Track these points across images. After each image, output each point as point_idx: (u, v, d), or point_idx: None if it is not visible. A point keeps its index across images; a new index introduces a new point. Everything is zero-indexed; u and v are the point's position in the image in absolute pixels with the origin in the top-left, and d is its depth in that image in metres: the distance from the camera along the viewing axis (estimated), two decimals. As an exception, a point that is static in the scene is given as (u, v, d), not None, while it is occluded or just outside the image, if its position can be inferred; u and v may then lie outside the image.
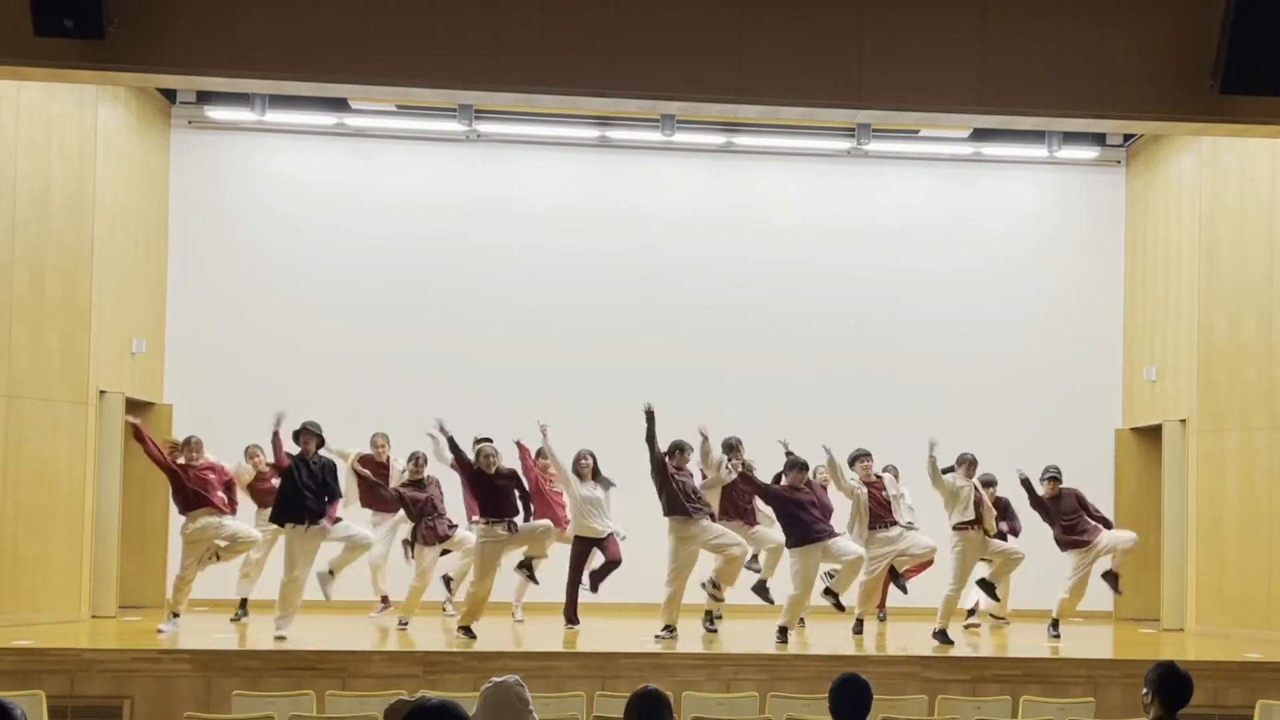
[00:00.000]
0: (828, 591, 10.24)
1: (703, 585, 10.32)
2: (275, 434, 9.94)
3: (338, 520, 10.08)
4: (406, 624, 10.52)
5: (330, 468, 10.08)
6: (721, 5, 8.61)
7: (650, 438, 10.04)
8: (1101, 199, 13.51)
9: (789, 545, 10.04)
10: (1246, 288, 11.53)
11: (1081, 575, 10.79)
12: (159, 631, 9.84)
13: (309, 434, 9.94)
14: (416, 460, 10.70)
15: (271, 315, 12.71)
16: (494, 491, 9.92)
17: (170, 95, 12.51)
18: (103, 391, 11.14)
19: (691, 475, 10.33)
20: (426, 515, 10.59)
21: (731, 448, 10.55)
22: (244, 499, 11.01)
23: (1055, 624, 10.84)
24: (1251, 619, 11.16)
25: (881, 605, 11.50)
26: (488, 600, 10.11)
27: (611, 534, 10.48)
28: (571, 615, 10.49)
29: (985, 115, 9.27)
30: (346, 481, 10.80)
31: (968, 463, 10.52)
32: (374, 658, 8.96)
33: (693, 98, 8.95)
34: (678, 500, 10.00)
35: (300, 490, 9.72)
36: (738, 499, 10.59)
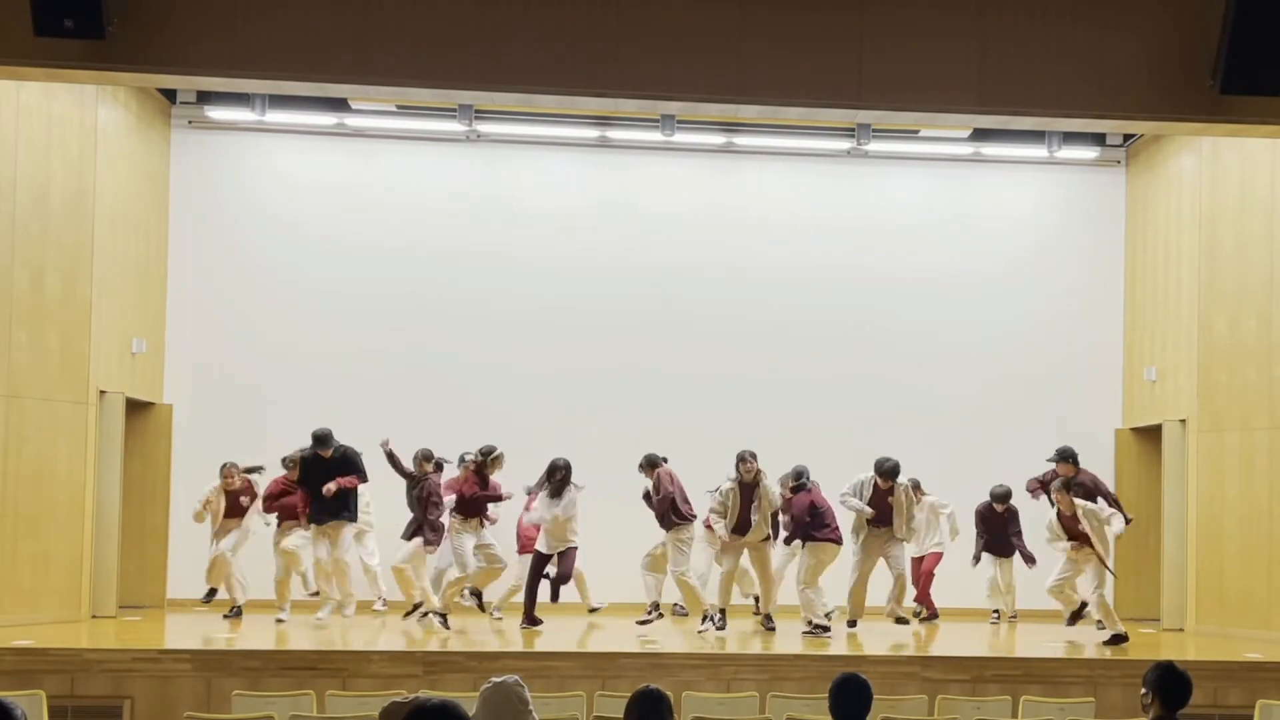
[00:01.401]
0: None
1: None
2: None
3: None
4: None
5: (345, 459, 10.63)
6: (721, 5, 8.61)
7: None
8: (1101, 199, 13.50)
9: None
10: (1246, 288, 11.53)
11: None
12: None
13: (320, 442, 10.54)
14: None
15: (271, 315, 12.71)
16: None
17: (170, 95, 12.50)
18: (103, 391, 11.14)
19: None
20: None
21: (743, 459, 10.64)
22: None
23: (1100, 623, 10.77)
24: (1251, 619, 11.16)
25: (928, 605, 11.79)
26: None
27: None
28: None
29: (985, 115, 9.26)
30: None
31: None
32: (374, 658, 8.96)
33: (693, 98, 8.94)
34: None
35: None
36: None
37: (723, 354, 12.98)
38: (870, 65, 8.68)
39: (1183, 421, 12.06)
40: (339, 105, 12.16)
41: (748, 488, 10.47)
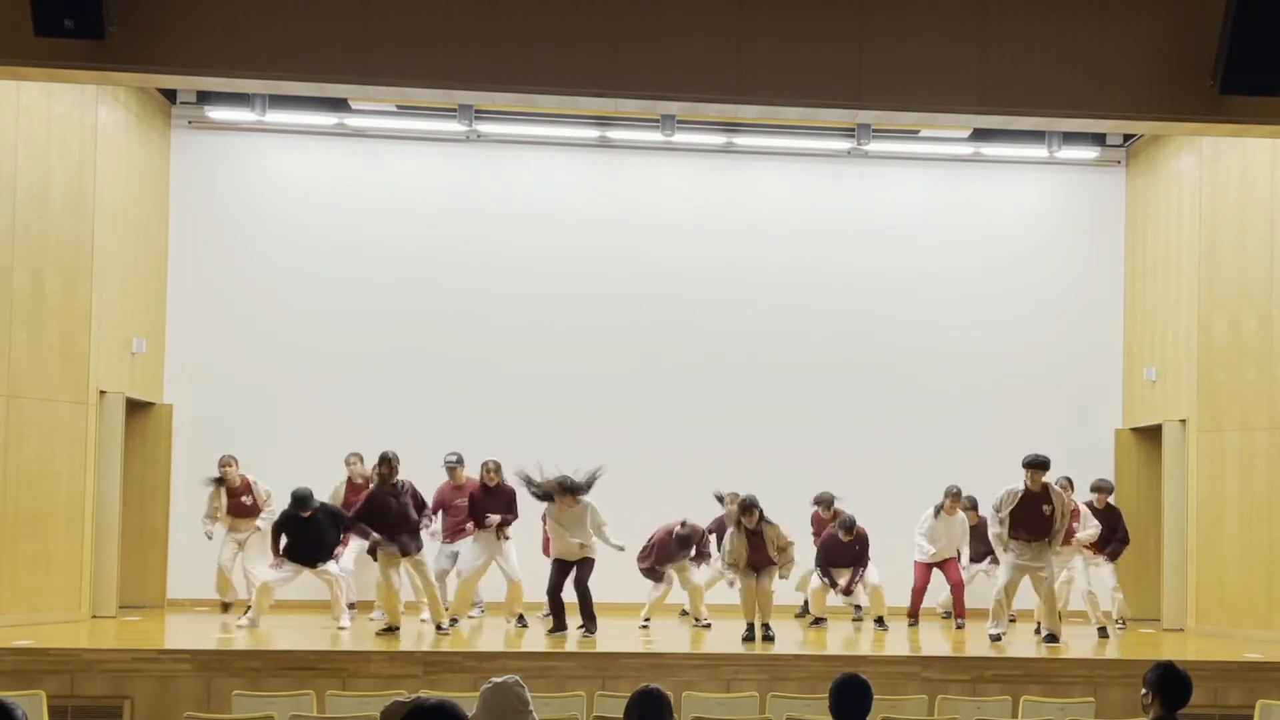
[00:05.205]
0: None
1: None
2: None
3: None
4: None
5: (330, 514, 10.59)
6: (721, 5, 8.61)
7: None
8: (1101, 199, 13.49)
9: None
10: (1246, 288, 11.53)
11: None
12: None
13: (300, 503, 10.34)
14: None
15: (271, 315, 12.70)
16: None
17: (170, 95, 12.50)
18: (103, 391, 11.13)
19: None
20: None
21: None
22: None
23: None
24: (1251, 619, 11.17)
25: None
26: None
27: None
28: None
29: (985, 115, 9.26)
30: None
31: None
32: (374, 658, 8.96)
33: (693, 98, 8.94)
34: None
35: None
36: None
37: (722, 354, 12.98)
38: (870, 65, 8.68)
39: (1183, 422, 12.06)
40: (339, 105, 12.15)
41: (754, 534, 10.26)
